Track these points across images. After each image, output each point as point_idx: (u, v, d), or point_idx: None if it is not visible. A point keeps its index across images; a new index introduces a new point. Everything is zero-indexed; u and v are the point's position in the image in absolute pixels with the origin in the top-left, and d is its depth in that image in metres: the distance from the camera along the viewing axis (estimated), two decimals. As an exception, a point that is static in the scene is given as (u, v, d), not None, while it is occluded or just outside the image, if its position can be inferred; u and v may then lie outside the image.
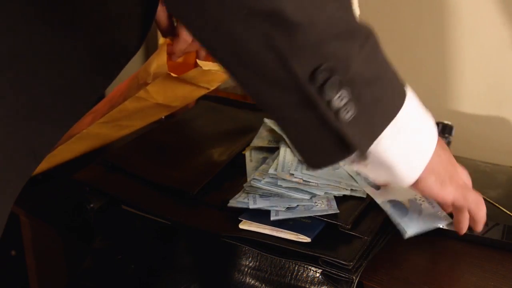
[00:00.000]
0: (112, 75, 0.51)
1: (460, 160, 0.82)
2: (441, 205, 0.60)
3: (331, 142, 0.41)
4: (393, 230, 0.64)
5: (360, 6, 0.84)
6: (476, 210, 0.55)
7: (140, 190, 0.69)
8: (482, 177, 0.75)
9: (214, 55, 0.41)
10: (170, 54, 0.76)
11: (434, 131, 0.49)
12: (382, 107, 0.42)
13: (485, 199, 0.66)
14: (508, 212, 0.63)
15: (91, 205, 0.69)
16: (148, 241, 0.64)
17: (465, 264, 0.59)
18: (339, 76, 0.38)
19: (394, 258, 0.60)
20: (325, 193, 0.60)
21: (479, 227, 0.56)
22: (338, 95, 0.39)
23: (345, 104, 0.39)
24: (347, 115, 0.40)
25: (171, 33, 0.77)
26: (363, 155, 0.43)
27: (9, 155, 0.44)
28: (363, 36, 0.40)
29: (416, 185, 0.49)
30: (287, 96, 0.40)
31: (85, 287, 0.74)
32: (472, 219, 0.56)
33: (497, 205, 0.65)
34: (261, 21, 0.36)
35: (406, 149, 0.45)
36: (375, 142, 0.43)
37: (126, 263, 0.65)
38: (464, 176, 0.56)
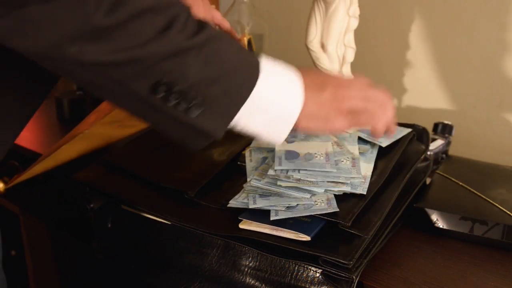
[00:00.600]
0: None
1: (460, 160, 0.82)
2: None
3: (192, 133, 0.49)
4: (393, 229, 0.64)
5: (360, 6, 0.84)
6: (374, 126, 0.57)
7: (140, 190, 0.69)
8: (482, 177, 0.75)
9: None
10: None
11: (296, 94, 0.52)
12: (230, 97, 0.48)
13: (485, 199, 0.67)
14: (508, 212, 0.64)
15: (91, 205, 0.69)
16: (148, 241, 0.64)
17: (465, 264, 0.59)
18: (179, 86, 0.45)
19: (394, 258, 0.60)
20: (325, 190, 0.60)
21: (379, 134, 0.58)
22: (181, 99, 0.46)
23: (191, 104, 0.46)
24: (196, 112, 0.47)
25: None
26: (220, 137, 0.50)
27: None
28: (198, 44, 0.46)
29: (302, 130, 0.54)
30: (139, 105, 0.47)
31: (85, 287, 0.74)
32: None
33: (497, 205, 0.65)
34: (87, 67, 0.44)
35: (265, 122, 0.51)
36: (234, 123, 0.50)
37: (126, 263, 0.65)
38: (362, 96, 0.58)
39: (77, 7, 0.41)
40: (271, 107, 0.51)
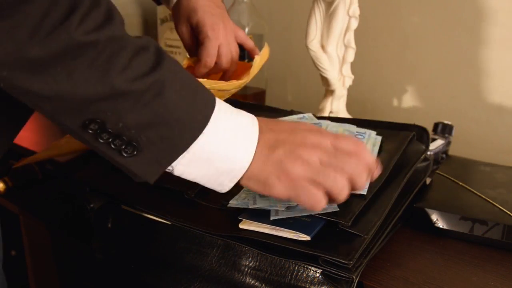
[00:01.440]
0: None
1: (460, 160, 0.82)
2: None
3: (128, 171, 0.47)
4: (394, 229, 0.64)
5: (360, 6, 0.84)
6: (313, 207, 0.50)
7: (140, 190, 0.69)
8: (482, 177, 0.75)
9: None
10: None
11: (248, 149, 0.49)
12: (169, 143, 0.46)
13: (485, 199, 0.67)
14: (508, 212, 0.64)
15: (91, 205, 0.69)
16: (148, 241, 0.64)
17: (465, 264, 0.59)
18: (112, 126, 0.43)
19: (394, 258, 0.60)
20: None
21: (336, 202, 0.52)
22: (113, 139, 0.44)
23: (124, 146, 0.44)
24: (129, 153, 0.45)
25: (195, 53, 0.77)
26: (152, 181, 0.48)
27: None
28: (141, 90, 0.43)
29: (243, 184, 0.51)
30: (77, 137, 0.45)
31: (85, 287, 0.74)
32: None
33: (497, 205, 0.65)
34: (20, 94, 0.42)
35: (204, 174, 0.49)
36: (170, 169, 0.48)
37: (126, 263, 0.65)
38: (323, 159, 0.50)
39: (9, 33, 0.39)
40: (213, 161, 0.48)
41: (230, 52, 0.75)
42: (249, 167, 0.49)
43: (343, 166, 0.50)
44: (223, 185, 0.51)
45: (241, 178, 0.50)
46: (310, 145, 0.50)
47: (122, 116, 0.43)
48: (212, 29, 0.73)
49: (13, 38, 0.39)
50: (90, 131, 0.44)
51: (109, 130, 0.44)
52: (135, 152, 0.45)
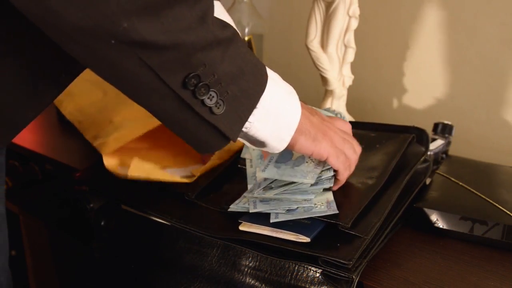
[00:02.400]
0: (52, 92, 0.57)
1: (460, 160, 0.82)
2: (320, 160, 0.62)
3: (211, 134, 0.50)
4: (393, 230, 0.64)
5: (360, 6, 0.84)
6: (342, 171, 0.61)
7: (140, 190, 0.69)
8: (482, 177, 0.75)
9: (98, 74, 0.48)
10: None
11: (296, 103, 0.55)
12: (246, 96, 0.50)
13: (485, 199, 0.67)
14: (508, 212, 0.64)
15: (91, 205, 0.69)
16: (148, 241, 0.64)
17: (465, 264, 0.59)
18: (207, 80, 0.46)
19: (394, 258, 0.60)
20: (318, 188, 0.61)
21: (336, 186, 0.62)
22: (208, 95, 0.47)
23: (216, 102, 0.48)
24: (219, 110, 0.48)
25: None
26: (235, 139, 0.52)
27: None
28: (225, 41, 0.47)
29: (290, 147, 0.56)
30: (168, 102, 0.47)
31: (84, 287, 0.74)
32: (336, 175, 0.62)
33: (497, 205, 0.65)
34: (131, 47, 0.43)
35: (271, 129, 0.54)
36: (249, 126, 0.52)
37: (126, 263, 0.65)
38: (342, 136, 0.61)
39: None
40: (276, 113, 0.53)
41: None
42: (299, 121, 0.55)
43: (351, 152, 0.61)
44: (283, 140, 0.55)
45: (295, 131, 0.55)
46: (333, 127, 0.61)
47: (216, 67, 0.47)
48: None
49: None
50: (190, 87, 0.46)
51: (204, 85, 0.46)
52: (224, 109, 0.48)
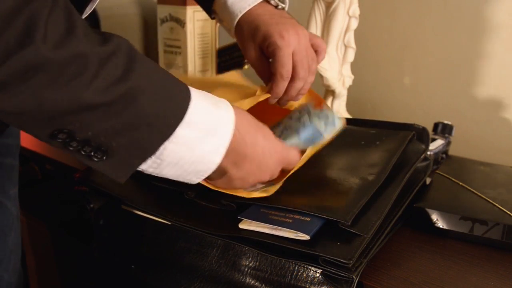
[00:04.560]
0: None
1: (460, 160, 0.82)
2: None
3: (99, 171, 0.47)
4: (393, 229, 0.64)
5: (360, 6, 0.84)
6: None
7: (140, 190, 0.69)
8: (482, 177, 0.75)
9: None
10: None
11: (220, 148, 0.51)
12: (138, 147, 0.46)
13: (485, 199, 0.67)
14: (508, 212, 0.64)
15: (91, 205, 0.69)
16: (148, 241, 0.64)
17: (465, 264, 0.59)
18: (79, 135, 0.43)
19: (394, 258, 0.60)
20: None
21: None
22: (82, 146, 0.44)
23: (93, 152, 0.45)
24: (98, 157, 0.45)
25: (266, 71, 0.67)
26: (122, 182, 0.48)
27: None
28: (110, 100, 0.42)
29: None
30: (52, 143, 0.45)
31: (85, 287, 0.74)
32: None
33: (497, 205, 0.65)
34: None
35: (174, 174, 0.51)
36: (142, 169, 0.49)
37: (126, 263, 0.65)
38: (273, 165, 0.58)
39: None
40: (182, 165, 0.50)
41: (306, 60, 0.65)
42: (213, 169, 0.52)
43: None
44: (191, 181, 0.53)
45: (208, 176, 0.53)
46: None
47: (92, 126, 0.43)
48: (281, 37, 0.64)
49: None
50: (59, 140, 0.43)
51: (77, 139, 0.44)
52: (104, 157, 0.45)
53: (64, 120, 0.42)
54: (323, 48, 0.69)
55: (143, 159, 0.47)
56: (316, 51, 0.68)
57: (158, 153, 0.47)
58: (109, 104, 0.42)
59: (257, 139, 0.55)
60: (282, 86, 0.65)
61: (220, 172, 0.54)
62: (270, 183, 0.62)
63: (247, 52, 0.68)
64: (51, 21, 0.39)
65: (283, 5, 0.69)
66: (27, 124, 0.43)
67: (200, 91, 0.51)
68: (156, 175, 0.50)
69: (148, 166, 0.48)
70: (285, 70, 0.63)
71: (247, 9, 0.67)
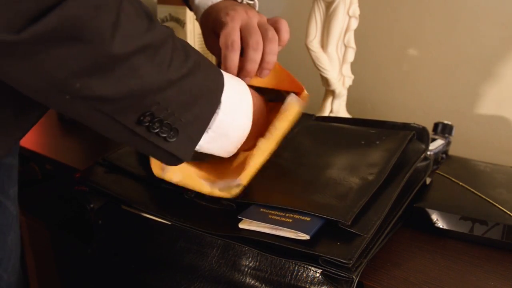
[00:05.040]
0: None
1: (460, 160, 0.82)
2: None
3: (166, 157, 0.53)
4: (393, 229, 0.64)
5: (360, 6, 0.84)
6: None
7: (140, 190, 0.69)
8: (482, 177, 0.75)
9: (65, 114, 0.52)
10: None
11: (249, 114, 0.60)
12: (198, 120, 0.53)
13: (485, 199, 0.67)
14: (508, 212, 0.64)
15: (91, 205, 0.69)
16: (148, 241, 0.64)
17: (465, 264, 0.59)
18: (161, 115, 0.49)
19: (394, 258, 0.60)
20: None
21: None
22: (161, 128, 0.50)
23: (169, 132, 0.50)
24: (173, 138, 0.51)
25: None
26: (188, 159, 0.55)
27: None
28: (182, 76, 0.49)
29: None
30: (125, 134, 0.50)
31: (85, 287, 0.74)
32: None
33: (497, 205, 0.65)
34: (86, 100, 0.45)
35: (221, 146, 0.58)
36: (199, 147, 0.55)
37: (126, 263, 0.65)
38: None
39: (90, 44, 0.41)
40: (228, 135, 0.58)
41: (257, 30, 0.63)
42: (244, 135, 0.60)
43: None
44: (231, 152, 0.61)
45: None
46: None
47: (170, 103, 0.49)
48: (226, 14, 0.64)
49: (95, 45, 0.42)
50: (145, 124, 0.48)
51: (157, 119, 0.49)
52: (175, 137, 0.51)
53: (152, 100, 0.47)
54: (286, 29, 0.67)
55: (202, 132, 0.54)
56: (277, 31, 0.66)
57: (213, 122, 0.54)
58: (183, 79, 0.49)
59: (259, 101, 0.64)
60: (230, 57, 0.62)
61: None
62: (236, 180, 0.63)
63: (206, 42, 0.72)
64: (135, 12, 0.45)
65: (250, 1, 0.71)
66: (121, 110, 0.47)
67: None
68: (205, 151, 0.57)
69: (205, 142, 0.55)
70: (229, 40, 0.62)
71: (209, 4, 0.71)
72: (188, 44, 0.53)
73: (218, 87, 0.55)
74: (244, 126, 0.60)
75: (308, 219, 0.57)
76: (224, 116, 0.55)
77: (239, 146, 0.61)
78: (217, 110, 0.54)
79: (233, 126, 0.57)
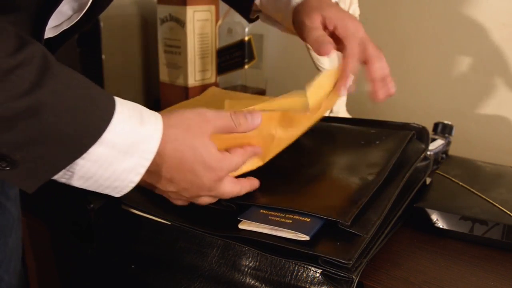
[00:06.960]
0: None
1: (460, 160, 0.82)
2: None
3: (8, 181, 0.46)
4: (393, 229, 0.64)
5: (360, 6, 0.84)
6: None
7: (140, 190, 0.69)
8: (482, 177, 0.75)
9: None
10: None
11: (139, 167, 0.49)
12: (46, 162, 0.44)
13: (485, 199, 0.67)
14: (508, 212, 0.64)
15: (91, 205, 0.69)
16: (148, 241, 0.64)
17: (465, 264, 0.59)
18: None
19: (394, 258, 0.60)
20: None
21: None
22: None
23: (5, 162, 0.43)
24: (2, 167, 0.43)
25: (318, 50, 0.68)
26: (30, 192, 0.46)
27: None
28: (11, 115, 0.41)
29: None
30: None
31: (85, 287, 0.74)
32: None
33: (497, 205, 0.65)
34: None
35: (89, 186, 0.48)
36: (55, 178, 0.46)
37: (126, 263, 0.65)
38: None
39: None
40: (97, 180, 0.48)
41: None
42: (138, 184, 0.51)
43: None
44: (113, 195, 0.51)
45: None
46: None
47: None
48: (353, 23, 0.72)
49: None
50: None
51: None
52: (8, 168, 0.43)
53: None
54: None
55: (52, 173, 0.45)
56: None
57: (68, 166, 0.45)
58: (10, 119, 0.41)
59: (189, 154, 0.52)
60: (354, 64, 0.69)
61: (148, 187, 0.54)
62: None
63: (311, 16, 0.69)
64: None
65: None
66: None
67: (132, 104, 0.49)
68: (69, 184, 0.48)
69: (60, 177, 0.47)
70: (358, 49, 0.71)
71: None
72: (65, 77, 0.44)
73: (87, 134, 0.45)
74: (123, 179, 0.49)
75: (308, 219, 0.57)
76: (88, 163, 0.46)
77: (122, 194, 0.51)
78: (78, 158, 0.45)
79: (102, 175, 0.48)
